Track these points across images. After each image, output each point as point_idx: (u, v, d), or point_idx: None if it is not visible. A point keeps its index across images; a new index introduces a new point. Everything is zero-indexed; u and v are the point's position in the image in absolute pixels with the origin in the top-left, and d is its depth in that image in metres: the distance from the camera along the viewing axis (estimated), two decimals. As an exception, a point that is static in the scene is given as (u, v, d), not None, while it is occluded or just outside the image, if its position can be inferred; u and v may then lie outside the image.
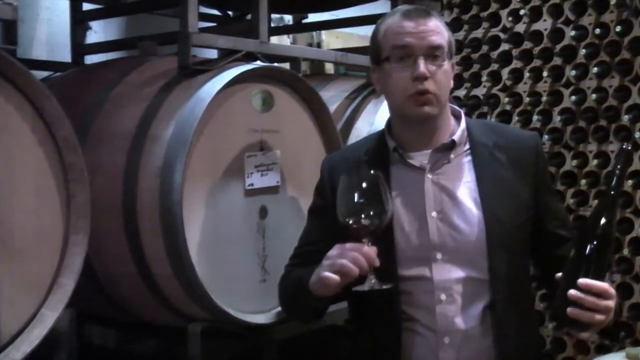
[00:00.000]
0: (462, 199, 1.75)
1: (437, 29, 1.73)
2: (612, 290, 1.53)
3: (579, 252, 1.53)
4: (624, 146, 1.59)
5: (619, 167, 1.57)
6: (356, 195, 1.61)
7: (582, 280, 1.49)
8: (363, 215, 1.60)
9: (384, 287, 1.61)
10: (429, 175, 1.76)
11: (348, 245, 1.61)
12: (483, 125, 1.89)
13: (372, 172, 1.64)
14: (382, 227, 1.62)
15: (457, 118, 1.84)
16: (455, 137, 1.78)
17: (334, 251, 1.63)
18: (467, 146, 1.80)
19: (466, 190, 1.76)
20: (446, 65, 1.73)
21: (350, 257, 1.58)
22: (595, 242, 1.52)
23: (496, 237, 1.73)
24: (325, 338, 2.83)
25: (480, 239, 1.73)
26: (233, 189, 2.35)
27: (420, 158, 1.78)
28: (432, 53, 1.71)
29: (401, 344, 1.74)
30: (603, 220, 1.53)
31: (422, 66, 1.69)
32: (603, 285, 1.51)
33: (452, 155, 1.78)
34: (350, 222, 1.60)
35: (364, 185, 1.62)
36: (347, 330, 1.92)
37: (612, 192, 1.56)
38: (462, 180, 1.77)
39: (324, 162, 1.96)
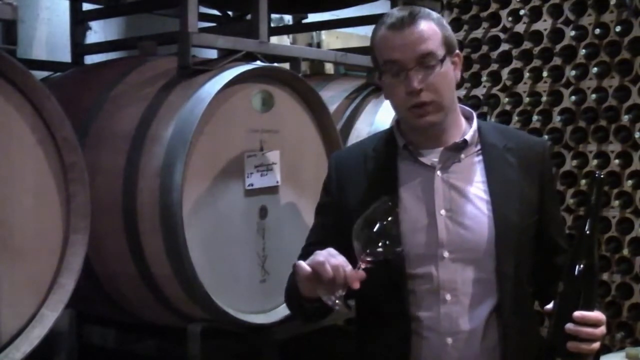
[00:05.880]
0: (472, 199, 1.75)
1: (424, 35, 1.68)
2: (604, 317, 1.57)
3: (568, 285, 1.57)
4: (597, 174, 1.61)
5: (593, 197, 1.58)
6: (376, 227, 1.59)
7: (577, 314, 1.53)
8: (378, 247, 1.58)
9: (345, 308, 1.57)
10: (439, 174, 1.76)
11: (340, 257, 1.57)
12: (494, 128, 1.89)
13: (389, 203, 1.63)
14: (386, 258, 1.61)
15: (469, 119, 1.84)
16: (467, 137, 1.78)
17: (324, 252, 1.60)
18: (478, 147, 1.80)
19: (476, 190, 1.76)
20: (442, 67, 1.69)
21: (334, 263, 1.55)
22: (582, 275, 1.55)
23: (504, 237, 1.72)
24: (325, 338, 2.83)
25: (489, 239, 1.72)
26: (233, 189, 2.35)
27: (431, 156, 1.77)
28: (423, 62, 1.68)
29: (410, 347, 1.74)
30: (587, 252, 1.56)
31: (414, 81, 1.67)
32: (596, 315, 1.55)
33: (462, 155, 1.78)
34: (368, 251, 1.58)
35: (383, 218, 1.60)
36: (347, 331, 1.91)
37: (592, 224, 1.57)
38: (472, 180, 1.77)
39: (332, 158, 1.95)
